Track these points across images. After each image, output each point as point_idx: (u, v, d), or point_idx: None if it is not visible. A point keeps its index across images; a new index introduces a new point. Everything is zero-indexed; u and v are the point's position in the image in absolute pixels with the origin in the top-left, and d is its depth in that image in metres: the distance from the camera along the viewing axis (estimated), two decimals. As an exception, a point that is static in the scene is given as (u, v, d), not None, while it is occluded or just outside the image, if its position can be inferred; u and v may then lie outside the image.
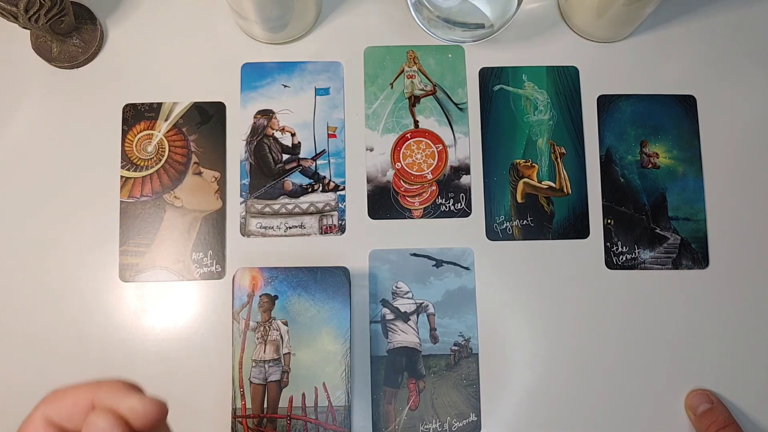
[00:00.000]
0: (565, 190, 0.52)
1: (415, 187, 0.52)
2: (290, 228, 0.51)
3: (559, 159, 0.52)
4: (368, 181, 0.52)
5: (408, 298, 0.50)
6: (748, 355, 0.51)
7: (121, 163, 0.52)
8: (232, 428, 0.47)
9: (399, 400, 0.49)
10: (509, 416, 0.49)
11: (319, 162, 0.52)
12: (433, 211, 0.52)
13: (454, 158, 0.52)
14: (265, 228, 0.51)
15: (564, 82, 0.53)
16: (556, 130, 0.53)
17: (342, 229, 0.51)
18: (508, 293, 0.51)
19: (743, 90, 0.54)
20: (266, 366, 0.48)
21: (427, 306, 0.50)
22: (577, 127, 0.52)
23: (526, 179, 0.52)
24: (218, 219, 0.51)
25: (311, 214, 0.51)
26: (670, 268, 0.51)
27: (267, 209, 0.51)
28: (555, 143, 0.52)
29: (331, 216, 0.51)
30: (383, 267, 0.51)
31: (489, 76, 0.53)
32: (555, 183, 0.52)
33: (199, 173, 0.52)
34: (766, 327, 0.51)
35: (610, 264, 0.51)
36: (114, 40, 0.53)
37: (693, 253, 0.51)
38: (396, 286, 0.51)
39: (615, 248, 0.51)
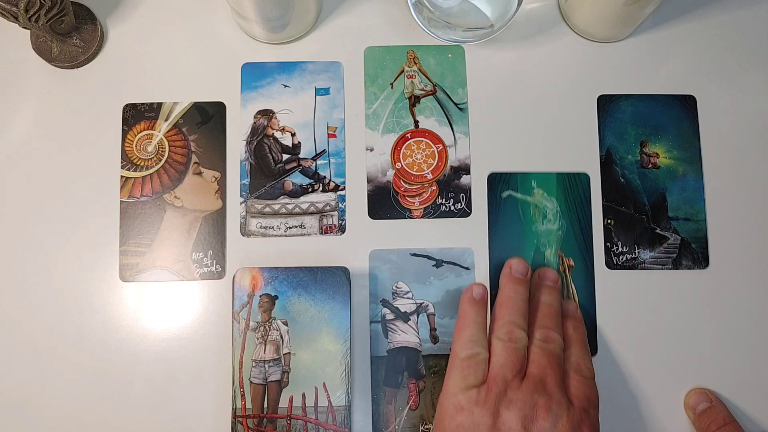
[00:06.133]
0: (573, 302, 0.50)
1: (415, 187, 0.52)
2: (290, 228, 0.51)
3: (567, 272, 0.51)
4: (368, 181, 0.52)
5: (408, 298, 0.50)
6: (747, 355, 0.51)
7: (121, 163, 0.52)
8: (232, 428, 0.47)
9: (399, 400, 0.49)
10: (509, 416, 0.49)
11: (319, 162, 0.52)
12: (433, 211, 0.52)
13: (454, 158, 0.52)
14: (265, 228, 0.51)
15: (574, 190, 0.52)
16: (565, 241, 0.51)
17: (342, 229, 0.51)
18: (508, 293, 0.51)
19: (743, 90, 0.54)
20: (266, 366, 0.48)
21: (427, 306, 0.50)
22: (586, 236, 0.51)
23: None
24: (218, 219, 0.51)
25: (311, 214, 0.51)
26: (670, 268, 0.51)
27: (267, 209, 0.51)
28: (564, 255, 0.51)
29: (331, 216, 0.51)
30: (383, 267, 0.51)
31: (497, 182, 0.52)
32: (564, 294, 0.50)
33: (199, 173, 0.52)
34: (766, 327, 0.51)
35: (610, 264, 0.51)
36: (114, 40, 0.53)
37: (693, 253, 0.51)
38: (396, 286, 0.51)
39: (615, 248, 0.51)
